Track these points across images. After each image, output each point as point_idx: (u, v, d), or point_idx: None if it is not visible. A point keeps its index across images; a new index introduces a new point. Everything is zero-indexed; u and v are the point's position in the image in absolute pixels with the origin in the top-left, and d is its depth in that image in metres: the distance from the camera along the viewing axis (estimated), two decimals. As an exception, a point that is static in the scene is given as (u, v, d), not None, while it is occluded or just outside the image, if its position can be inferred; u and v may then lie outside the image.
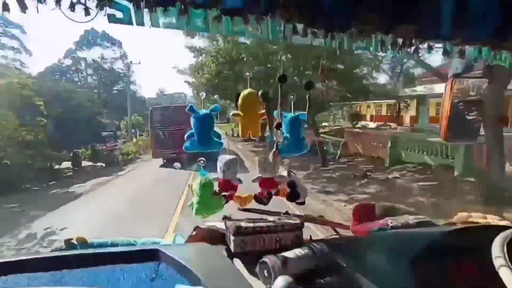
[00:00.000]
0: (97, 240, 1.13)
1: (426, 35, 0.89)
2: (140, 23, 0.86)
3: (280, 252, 0.91)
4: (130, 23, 0.85)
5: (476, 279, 0.81)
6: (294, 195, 1.13)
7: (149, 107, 16.51)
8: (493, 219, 1.33)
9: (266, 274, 0.85)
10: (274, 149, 1.03)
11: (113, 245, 1.13)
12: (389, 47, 0.91)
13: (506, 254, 0.68)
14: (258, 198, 1.15)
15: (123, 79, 35.88)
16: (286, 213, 1.18)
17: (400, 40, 0.90)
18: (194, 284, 0.83)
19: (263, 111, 1.01)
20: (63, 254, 0.99)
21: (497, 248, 0.71)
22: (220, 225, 1.12)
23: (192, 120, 1.01)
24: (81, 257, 0.95)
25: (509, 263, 0.67)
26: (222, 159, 1.06)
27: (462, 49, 1.00)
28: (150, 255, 1.01)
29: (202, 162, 1.09)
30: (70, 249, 1.06)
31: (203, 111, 1.01)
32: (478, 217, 1.37)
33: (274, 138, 1.05)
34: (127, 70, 31.87)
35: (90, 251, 1.01)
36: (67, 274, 0.87)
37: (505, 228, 0.92)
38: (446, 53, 0.98)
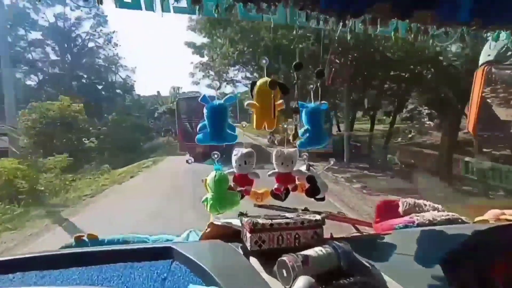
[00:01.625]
0: (108, 237, 1.11)
1: (443, 19, 0.82)
2: (150, 8, 0.82)
3: (299, 250, 0.85)
4: (139, 7, 0.82)
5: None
6: (313, 190, 1.07)
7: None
8: None
9: (285, 274, 0.80)
10: (291, 139, 0.97)
11: (125, 241, 1.10)
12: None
13: None
14: (274, 194, 1.09)
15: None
16: (305, 209, 1.12)
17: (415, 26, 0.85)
18: (208, 284, 0.79)
19: (281, 101, 0.95)
20: (73, 251, 0.96)
21: None
22: (236, 222, 1.07)
23: (205, 111, 0.96)
24: (91, 254, 0.92)
25: None
26: (238, 152, 1.01)
27: (478, 34, 0.93)
28: (163, 252, 0.98)
29: (216, 156, 1.05)
30: (80, 246, 1.04)
31: (217, 102, 0.96)
32: (510, 214, 1.27)
33: (302, 130, 1.00)
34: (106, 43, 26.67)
35: (101, 248, 0.98)
36: (76, 271, 0.84)
37: None
38: (462, 38, 0.91)
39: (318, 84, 0.99)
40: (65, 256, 0.92)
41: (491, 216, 1.26)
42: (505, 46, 1.10)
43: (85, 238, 1.08)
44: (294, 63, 0.90)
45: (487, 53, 1.25)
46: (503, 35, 1.01)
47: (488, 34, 1.06)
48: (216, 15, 0.80)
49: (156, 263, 0.92)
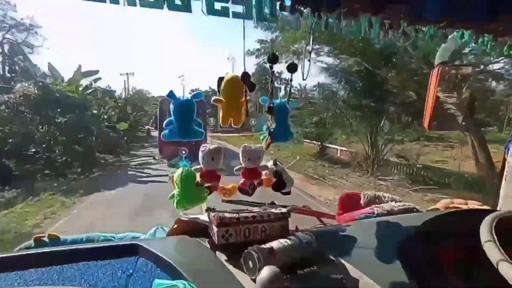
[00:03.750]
0: (71, 236, 1.06)
1: (413, 18, 0.88)
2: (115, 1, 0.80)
3: (266, 243, 0.88)
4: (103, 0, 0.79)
5: (464, 262, 0.81)
6: (279, 185, 1.10)
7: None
8: (473, 205, 1.36)
9: (251, 265, 0.82)
10: (267, 136, 0.98)
11: (89, 241, 1.06)
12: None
13: (495, 237, 0.68)
14: (242, 189, 1.11)
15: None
16: (272, 203, 1.15)
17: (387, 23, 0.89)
18: (175, 278, 0.79)
19: (248, 98, 0.97)
20: (31, 252, 0.91)
21: (485, 230, 0.71)
22: (204, 217, 1.07)
23: (171, 107, 0.96)
24: (51, 255, 0.88)
25: (498, 245, 0.67)
26: (205, 148, 1.01)
27: (445, 33, 1.00)
28: (129, 250, 0.96)
29: (184, 152, 1.04)
30: (40, 247, 0.99)
31: (184, 98, 0.96)
32: (460, 203, 1.39)
33: (265, 125, 1.00)
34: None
35: (62, 247, 0.94)
36: (34, 273, 0.80)
37: (488, 211, 0.93)
38: (431, 37, 0.97)
39: (291, 80, 0.98)
40: (23, 257, 0.87)
41: (442, 205, 1.37)
42: (459, 47, 1.19)
43: (45, 238, 1.02)
44: (268, 56, 0.90)
45: (442, 53, 1.34)
46: (466, 35, 1.08)
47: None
48: (179, 10, 0.79)
49: (121, 261, 0.90)
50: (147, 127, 29.83)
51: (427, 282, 0.81)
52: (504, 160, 1.36)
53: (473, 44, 1.11)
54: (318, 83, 14.35)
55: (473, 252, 0.68)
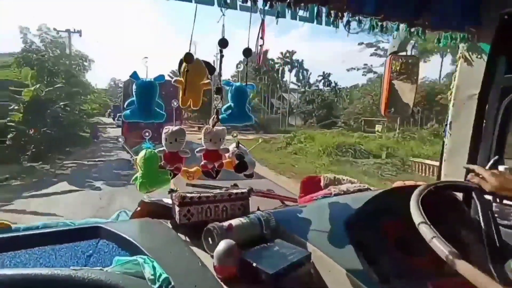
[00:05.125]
0: (25, 225, 1.02)
1: (354, 9, 0.94)
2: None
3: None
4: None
5: (403, 233, 0.90)
6: (241, 167, 1.14)
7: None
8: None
9: (210, 242, 0.86)
10: (213, 117, 1.01)
11: (46, 228, 1.03)
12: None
13: (421, 209, 0.76)
14: (205, 172, 1.13)
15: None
16: (235, 185, 1.19)
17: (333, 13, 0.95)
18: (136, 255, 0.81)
19: (207, 81, 0.98)
20: None
21: (414, 200, 0.79)
22: (167, 200, 1.09)
23: (134, 88, 0.95)
24: (1, 242, 0.84)
25: (425, 217, 0.75)
26: (168, 130, 1.02)
27: (383, 25, 1.08)
28: (90, 232, 0.95)
29: (147, 134, 1.04)
30: None
31: (146, 79, 0.96)
32: (410, 184, 1.51)
33: (225, 107, 1.03)
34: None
35: (15, 233, 0.91)
36: None
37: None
38: (371, 28, 1.04)
39: (246, 64, 1.02)
40: None
41: (395, 185, 1.49)
42: (405, 37, 1.29)
43: None
44: (219, 40, 0.92)
45: (392, 44, 1.44)
46: (402, 26, 1.18)
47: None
48: None
49: (81, 243, 0.89)
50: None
51: (370, 252, 0.90)
52: (443, 142, 1.51)
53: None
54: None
55: (409, 223, 0.76)
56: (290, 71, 40.59)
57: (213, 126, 1.00)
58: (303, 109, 36.79)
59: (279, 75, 39.81)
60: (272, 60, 37.09)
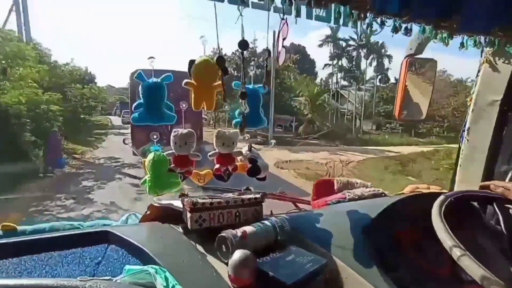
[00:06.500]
0: (32, 226, 1.00)
1: (378, 9, 0.89)
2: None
3: (240, 227, 0.88)
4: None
5: (421, 241, 0.86)
6: (254, 170, 1.10)
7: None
8: (435, 188, 1.43)
9: (224, 249, 0.82)
10: (240, 122, 0.96)
11: (53, 230, 1.01)
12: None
13: (443, 217, 0.72)
14: (216, 175, 1.10)
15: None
16: (247, 189, 1.15)
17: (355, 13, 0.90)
18: (147, 264, 0.77)
19: (219, 82, 0.95)
20: None
21: (435, 212, 0.75)
22: (177, 203, 1.06)
23: (140, 89, 0.92)
24: (5, 247, 0.81)
25: (447, 226, 0.71)
26: (177, 132, 0.99)
27: (407, 27, 1.03)
28: (99, 237, 0.92)
29: (155, 136, 1.01)
30: None
31: (153, 80, 0.92)
32: (423, 188, 1.46)
33: (238, 110, 0.99)
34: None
35: (20, 238, 0.88)
36: None
37: (440, 194, 0.98)
38: (395, 29, 0.99)
39: (243, 60, 0.96)
40: None
41: (408, 190, 1.44)
42: (422, 40, 1.23)
43: None
44: (239, 41, 0.87)
45: (409, 46, 1.39)
46: (428, 28, 1.12)
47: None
48: None
49: (89, 249, 0.87)
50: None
51: (388, 260, 0.86)
52: (459, 148, 1.46)
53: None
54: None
55: (427, 231, 0.72)
56: (366, 57, 29.75)
57: (241, 131, 0.97)
58: (380, 110, 29.30)
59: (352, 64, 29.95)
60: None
